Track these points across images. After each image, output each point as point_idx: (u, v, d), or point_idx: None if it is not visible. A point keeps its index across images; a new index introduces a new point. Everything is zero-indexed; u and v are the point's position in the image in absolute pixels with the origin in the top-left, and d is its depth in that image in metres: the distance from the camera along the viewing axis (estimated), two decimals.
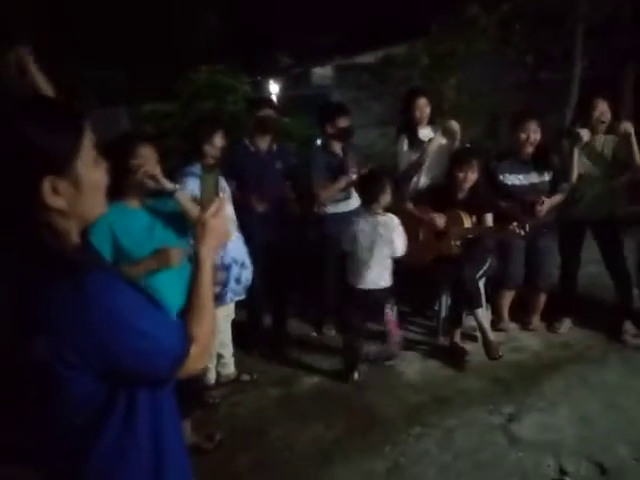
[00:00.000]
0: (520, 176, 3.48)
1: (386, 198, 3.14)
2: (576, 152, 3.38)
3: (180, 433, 1.15)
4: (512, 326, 3.82)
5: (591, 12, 6.13)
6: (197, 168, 2.92)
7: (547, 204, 3.40)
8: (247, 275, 2.91)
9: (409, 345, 3.62)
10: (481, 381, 3.20)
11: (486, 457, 2.54)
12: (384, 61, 6.91)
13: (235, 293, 2.89)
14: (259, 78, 6.87)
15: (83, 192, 0.95)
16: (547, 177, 3.49)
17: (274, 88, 7.52)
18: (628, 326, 3.56)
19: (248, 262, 2.92)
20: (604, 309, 3.80)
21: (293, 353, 3.64)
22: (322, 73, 9.00)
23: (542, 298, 3.71)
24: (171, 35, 7.56)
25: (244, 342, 3.50)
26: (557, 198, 3.49)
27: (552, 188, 3.49)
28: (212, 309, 1.12)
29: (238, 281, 2.86)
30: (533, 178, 3.49)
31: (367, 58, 7.72)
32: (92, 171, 0.97)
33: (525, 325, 3.80)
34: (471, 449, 2.61)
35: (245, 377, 3.25)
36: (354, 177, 3.49)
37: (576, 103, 6.16)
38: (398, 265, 3.25)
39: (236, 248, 2.84)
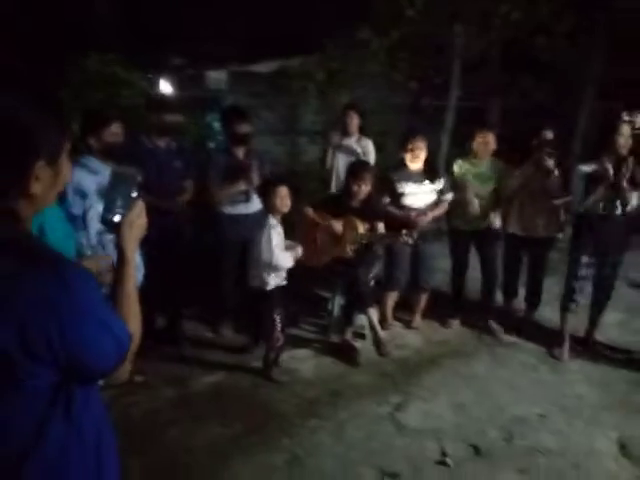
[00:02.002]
0: (414, 186, 3.79)
1: (281, 204, 3.20)
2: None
3: (111, 428, 1.15)
4: (396, 325, 4.13)
5: (466, 49, 6.87)
6: (90, 160, 2.80)
7: (430, 215, 3.77)
8: (138, 276, 2.81)
9: (304, 343, 3.77)
10: (370, 376, 3.42)
11: (376, 445, 2.73)
12: (279, 72, 7.10)
13: None
14: (153, 75, 6.64)
15: (57, 183, 1.02)
16: (435, 187, 3.85)
17: (167, 87, 7.33)
18: (494, 325, 4.04)
19: (140, 263, 2.83)
20: (479, 309, 4.24)
21: (189, 353, 3.60)
22: (217, 77, 8.96)
23: (423, 299, 4.06)
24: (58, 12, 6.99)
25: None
26: (440, 209, 3.86)
27: (438, 198, 3.86)
28: (138, 307, 1.16)
29: None
30: (424, 188, 3.82)
31: (262, 67, 7.87)
32: (67, 166, 1.04)
33: (408, 324, 4.13)
34: (362, 438, 2.78)
35: (138, 378, 3.13)
36: (256, 181, 3.56)
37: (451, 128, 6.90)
38: (295, 267, 3.35)
39: None
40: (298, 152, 7.10)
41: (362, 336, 3.83)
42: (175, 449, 2.65)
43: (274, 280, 3.22)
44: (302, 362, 3.55)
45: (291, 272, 3.33)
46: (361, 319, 3.77)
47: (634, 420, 3.00)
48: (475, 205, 3.86)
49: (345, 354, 3.62)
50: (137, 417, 2.90)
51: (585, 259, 3.57)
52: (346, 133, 4.41)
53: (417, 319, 4.14)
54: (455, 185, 3.90)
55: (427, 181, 3.79)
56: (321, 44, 6.75)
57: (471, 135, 3.92)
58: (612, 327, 3.96)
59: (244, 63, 8.46)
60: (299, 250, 3.29)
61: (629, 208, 3.40)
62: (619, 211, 3.42)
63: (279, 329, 3.27)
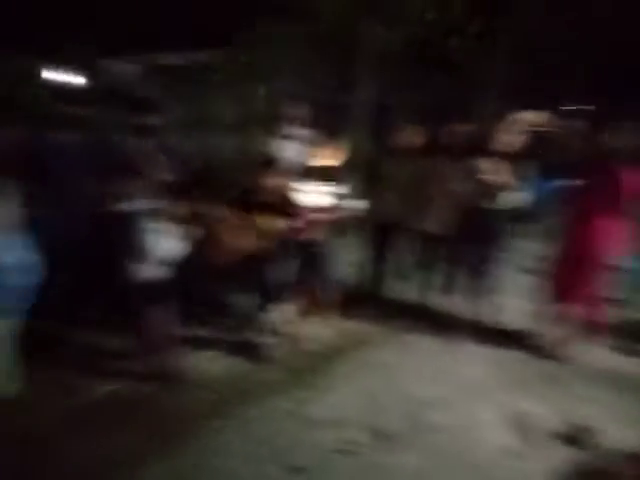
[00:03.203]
0: (313, 186, 3.85)
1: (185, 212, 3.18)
2: None
3: None
4: (307, 320, 4.19)
5: (380, 46, 7.04)
6: None
7: (326, 216, 3.86)
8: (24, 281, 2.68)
9: (213, 342, 3.73)
10: (280, 372, 3.45)
11: (284, 441, 2.76)
12: (191, 64, 6.94)
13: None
14: (59, 67, 6.26)
15: None
16: (337, 190, 3.94)
17: (75, 79, 6.96)
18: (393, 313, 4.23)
19: (29, 267, 2.69)
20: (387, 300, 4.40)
21: (84, 360, 3.43)
22: (125, 69, 8.61)
23: (333, 293, 4.15)
24: None
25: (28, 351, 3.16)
26: (337, 213, 3.96)
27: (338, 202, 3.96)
28: None
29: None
30: (324, 189, 3.90)
31: (171, 60, 7.66)
32: None
33: (319, 318, 4.21)
34: (270, 435, 2.80)
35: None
36: (160, 177, 3.46)
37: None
38: (203, 264, 3.31)
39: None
40: (211, 145, 6.96)
41: (273, 333, 3.86)
42: (76, 461, 2.54)
43: (150, 271, 3.11)
44: (211, 362, 3.52)
45: (198, 270, 3.28)
46: (272, 316, 3.79)
47: (524, 396, 3.26)
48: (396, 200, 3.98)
49: (255, 352, 3.63)
50: (27, 430, 2.74)
51: (468, 248, 3.90)
52: (291, 124, 4.40)
53: (327, 313, 4.22)
54: (375, 184, 3.99)
55: (331, 182, 3.87)
56: (236, 37, 6.66)
57: (392, 132, 4.02)
58: (507, 311, 4.24)
59: (154, 55, 8.20)
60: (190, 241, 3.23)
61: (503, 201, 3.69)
62: (493, 204, 3.70)
63: (160, 326, 3.16)
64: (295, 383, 3.32)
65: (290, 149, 4.37)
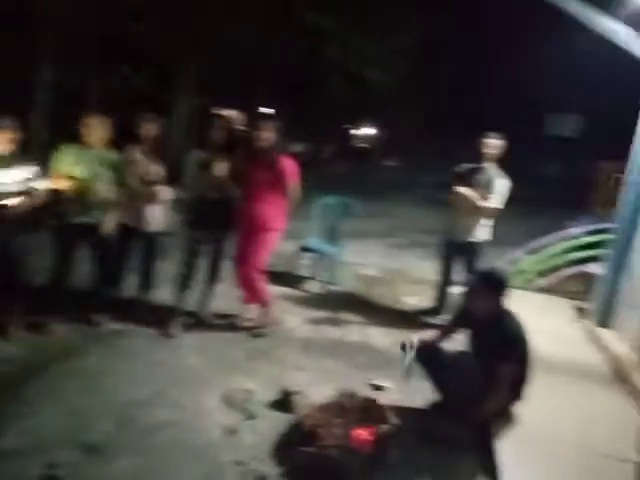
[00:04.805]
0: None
1: None
2: None
3: None
4: None
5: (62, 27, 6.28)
6: None
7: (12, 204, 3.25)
8: None
9: None
10: None
11: None
12: None
13: None
14: None
15: None
16: (24, 175, 3.33)
17: None
18: (96, 317, 3.86)
19: None
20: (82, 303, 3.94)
21: None
22: None
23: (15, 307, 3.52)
24: None
25: None
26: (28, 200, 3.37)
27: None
28: None
29: None
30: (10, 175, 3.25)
31: None
32: None
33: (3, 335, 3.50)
34: None
35: None
36: None
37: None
38: None
39: None
40: None
41: None
42: None
43: None
44: None
45: None
46: None
47: (234, 376, 3.39)
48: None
49: None
50: None
51: (195, 239, 3.91)
52: None
53: (13, 328, 3.54)
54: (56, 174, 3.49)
55: (15, 166, 3.26)
56: None
57: (76, 119, 3.58)
58: (217, 297, 4.35)
59: None
60: None
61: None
62: (215, 195, 3.80)
63: None
64: None
65: None
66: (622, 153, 4.59)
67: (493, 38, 19.86)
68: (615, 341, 4.24)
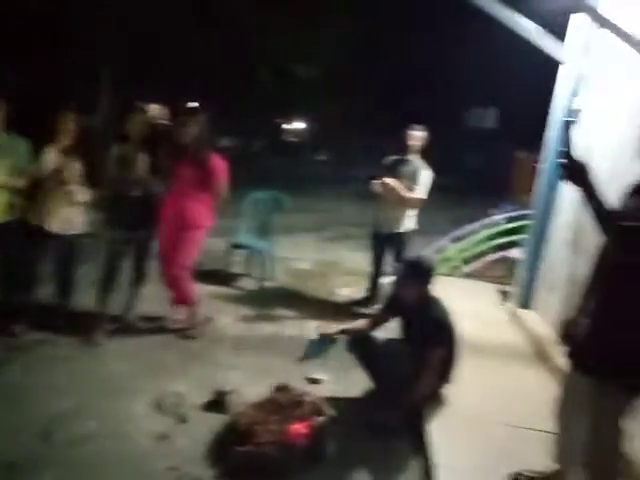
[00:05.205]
0: None
1: None
2: None
3: None
4: None
5: None
6: None
7: None
8: None
9: None
10: None
11: None
12: None
13: None
14: None
15: None
16: None
17: None
18: (19, 326, 3.62)
19: None
20: None
21: None
22: None
23: None
24: None
25: None
26: None
27: None
28: None
29: None
30: None
31: None
32: None
33: None
34: None
35: None
36: None
37: None
38: None
39: None
40: None
41: None
42: None
43: None
44: None
45: None
46: None
47: (164, 380, 3.27)
48: None
49: None
50: None
51: (117, 239, 3.72)
52: None
53: None
54: None
55: None
56: None
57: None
58: (144, 299, 4.19)
59: None
60: None
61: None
62: (138, 192, 3.63)
63: None
64: None
65: None
66: (538, 143, 4.85)
67: (417, 35, 20.45)
68: (536, 322, 4.49)
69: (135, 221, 3.70)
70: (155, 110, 3.79)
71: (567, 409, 2.20)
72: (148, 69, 11.96)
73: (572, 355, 2.10)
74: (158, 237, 3.86)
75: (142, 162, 3.61)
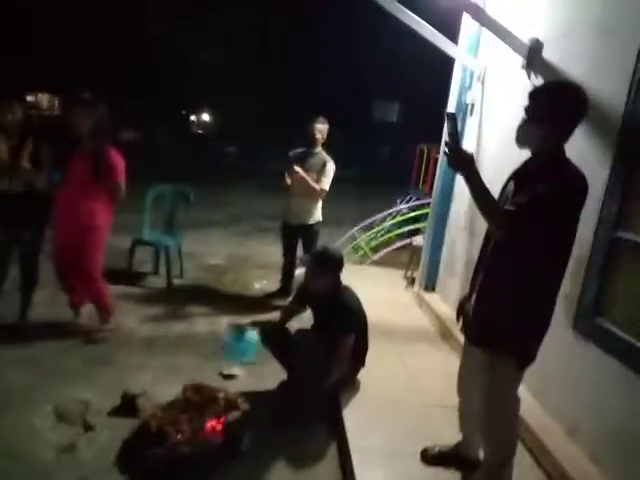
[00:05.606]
0: None
1: None
2: None
3: None
4: None
5: None
6: None
7: None
8: None
9: None
10: None
11: None
12: None
13: None
14: None
15: None
16: None
17: None
18: None
19: None
20: None
21: None
22: None
23: None
24: None
25: None
26: None
27: None
28: None
29: None
30: None
31: None
32: None
33: None
34: None
35: None
36: None
37: None
38: None
39: None
40: None
41: None
42: None
43: None
44: None
45: None
46: None
47: (68, 387, 3.08)
48: None
49: None
50: None
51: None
52: None
53: None
54: None
55: None
56: None
57: None
58: (40, 304, 3.90)
59: None
60: None
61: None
62: (20, 187, 3.36)
63: None
64: None
65: None
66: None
67: (327, 31, 20.79)
68: (439, 304, 4.76)
69: (18, 220, 3.42)
70: (39, 100, 3.53)
71: (465, 381, 2.36)
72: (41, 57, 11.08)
73: (464, 328, 2.25)
74: (52, 238, 3.59)
75: (16, 155, 3.32)
